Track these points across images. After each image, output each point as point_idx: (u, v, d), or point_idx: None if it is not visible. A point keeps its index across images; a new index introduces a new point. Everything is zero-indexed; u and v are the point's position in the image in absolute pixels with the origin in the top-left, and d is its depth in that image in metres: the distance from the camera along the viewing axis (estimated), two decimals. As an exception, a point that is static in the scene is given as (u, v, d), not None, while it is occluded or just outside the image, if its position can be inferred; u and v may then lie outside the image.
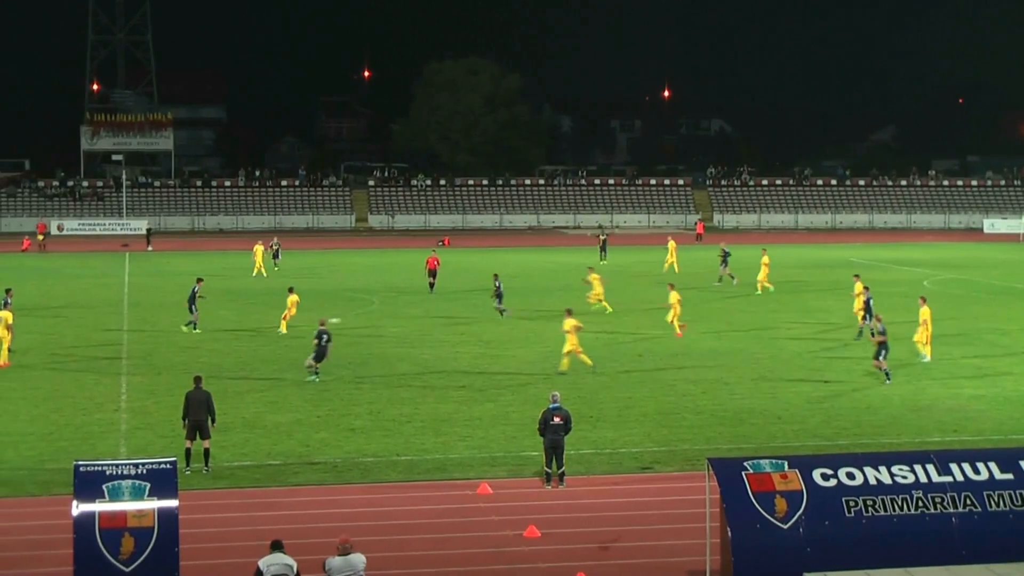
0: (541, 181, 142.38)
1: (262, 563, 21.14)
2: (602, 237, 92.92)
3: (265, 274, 78.39)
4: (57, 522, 26.59)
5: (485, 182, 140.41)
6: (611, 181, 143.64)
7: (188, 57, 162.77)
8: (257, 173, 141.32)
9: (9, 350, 47.52)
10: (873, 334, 47.01)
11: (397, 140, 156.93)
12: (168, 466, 22.48)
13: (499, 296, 60.92)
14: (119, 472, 22.16)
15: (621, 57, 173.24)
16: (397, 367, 46.89)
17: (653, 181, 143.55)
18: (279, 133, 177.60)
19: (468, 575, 25.47)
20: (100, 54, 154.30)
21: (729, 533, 22.89)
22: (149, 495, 21.92)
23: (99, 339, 53.27)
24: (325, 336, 44.06)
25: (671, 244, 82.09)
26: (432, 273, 70.82)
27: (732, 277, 72.62)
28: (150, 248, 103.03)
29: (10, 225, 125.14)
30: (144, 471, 22.21)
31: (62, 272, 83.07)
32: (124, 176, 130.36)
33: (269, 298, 65.40)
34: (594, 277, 62.43)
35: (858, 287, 55.20)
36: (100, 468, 22.33)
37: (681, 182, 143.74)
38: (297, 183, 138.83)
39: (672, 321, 54.96)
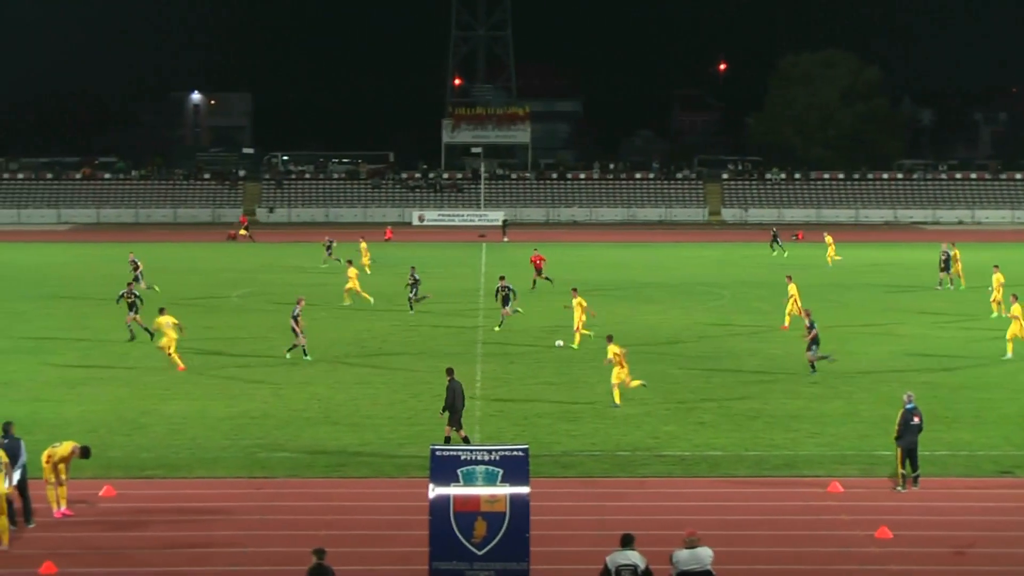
0: (899, 175, 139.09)
1: (610, 559, 21.31)
2: (773, 230, 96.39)
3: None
4: (413, 503, 27.47)
5: (841, 176, 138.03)
6: (973, 176, 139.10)
7: (546, 51, 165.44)
8: (611, 166, 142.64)
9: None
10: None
11: (751, 133, 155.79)
12: (520, 453, 22.85)
13: (414, 287, 60.03)
14: (473, 458, 22.68)
15: (986, 47, 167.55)
16: (747, 362, 46.60)
17: (1019, 175, 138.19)
18: (633, 126, 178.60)
19: (816, 574, 25.16)
20: (462, 50, 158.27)
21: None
22: (502, 481, 22.39)
23: (455, 327, 54.65)
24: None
25: (828, 239, 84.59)
26: (538, 271, 68.56)
27: (950, 283, 69.20)
28: (506, 239, 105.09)
29: (374, 215, 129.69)
30: (497, 457, 22.65)
31: (420, 262, 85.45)
32: (482, 168, 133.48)
33: (617, 290, 66.04)
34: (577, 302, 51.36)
35: (792, 289, 54.91)
36: (455, 453, 22.91)
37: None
38: (651, 176, 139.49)
39: (788, 313, 54.68)
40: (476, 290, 68.16)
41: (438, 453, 22.84)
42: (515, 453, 22.83)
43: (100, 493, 29.61)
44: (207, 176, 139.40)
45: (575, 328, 50.17)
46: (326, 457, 33.15)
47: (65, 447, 28.20)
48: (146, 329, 50.23)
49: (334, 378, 43.70)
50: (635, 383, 39.09)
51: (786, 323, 54.54)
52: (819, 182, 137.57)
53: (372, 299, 61.25)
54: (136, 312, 51.51)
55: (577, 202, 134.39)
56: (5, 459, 26.30)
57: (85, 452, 28.56)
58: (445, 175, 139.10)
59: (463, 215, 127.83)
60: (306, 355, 47.04)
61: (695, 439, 35.14)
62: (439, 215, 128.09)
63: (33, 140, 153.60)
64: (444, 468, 22.49)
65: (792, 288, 55.06)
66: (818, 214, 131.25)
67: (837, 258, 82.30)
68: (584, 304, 50.50)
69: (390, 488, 30.48)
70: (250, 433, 35.79)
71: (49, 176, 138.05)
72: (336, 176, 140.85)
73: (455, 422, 33.16)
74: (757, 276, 74.85)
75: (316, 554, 21.45)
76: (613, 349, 39.08)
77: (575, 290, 52.07)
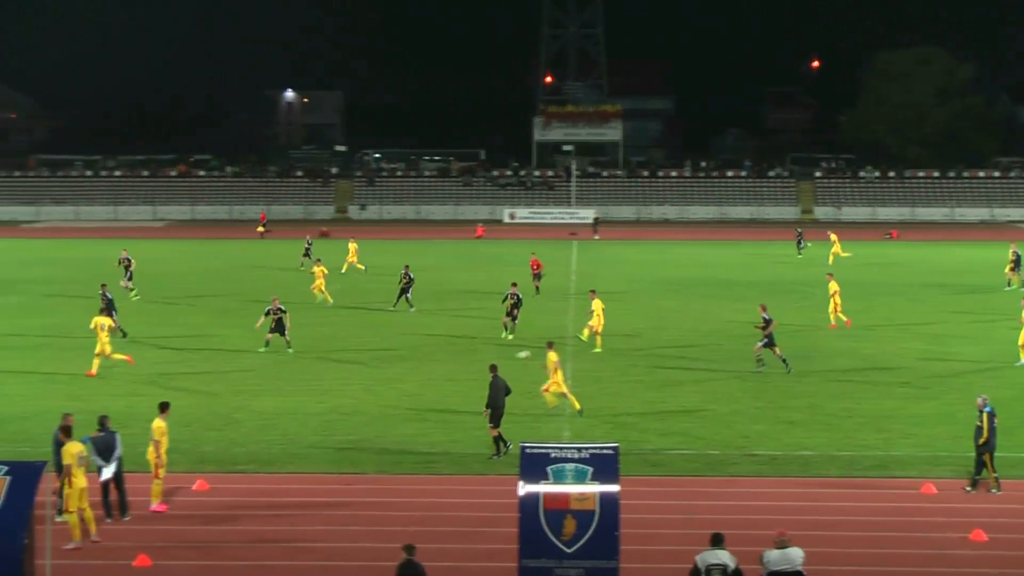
0: (996, 174, 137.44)
1: (700, 558, 21.26)
2: (798, 230, 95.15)
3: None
4: (502, 501, 27.54)
5: (936, 174, 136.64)
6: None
7: (637, 48, 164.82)
8: (702, 164, 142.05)
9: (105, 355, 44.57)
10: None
11: (844, 131, 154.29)
12: (610, 451, 22.83)
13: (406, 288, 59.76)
14: (563, 455, 22.70)
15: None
16: (837, 361, 46.25)
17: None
18: (725, 124, 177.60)
19: (908, 576, 24.96)
20: (553, 48, 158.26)
21: None
22: (591, 479, 22.36)
23: (546, 325, 54.55)
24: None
25: (833, 236, 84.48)
26: (537, 276, 66.73)
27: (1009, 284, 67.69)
28: (597, 237, 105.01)
29: (465, 213, 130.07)
30: (587, 455, 22.64)
31: (509, 259, 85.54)
32: (574, 166, 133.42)
33: (707, 288, 65.65)
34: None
35: (833, 287, 54.61)
36: (545, 451, 22.90)
37: None
38: (743, 174, 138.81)
39: (832, 312, 54.24)
40: (566, 288, 68.04)
41: (528, 450, 22.87)
42: (605, 451, 22.81)
43: (193, 487, 29.98)
44: (299, 173, 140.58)
45: (594, 330, 49.51)
46: (415, 455, 33.30)
47: (156, 423, 28.68)
48: (119, 328, 50.21)
49: (424, 375, 43.90)
50: (570, 397, 37.90)
51: (833, 322, 54.18)
52: (914, 180, 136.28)
53: (331, 300, 61.68)
54: (114, 311, 51.03)
55: (668, 200, 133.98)
56: (83, 452, 26.62)
57: (163, 407, 29.03)
58: (536, 172, 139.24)
59: (554, 212, 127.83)
60: (267, 347, 48.28)
61: (785, 438, 34.94)
62: (530, 212, 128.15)
63: (129, 138, 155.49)
64: (534, 466, 22.51)
65: (833, 286, 54.69)
66: (912, 212, 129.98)
67: (845, 255, 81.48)
68: (602, 306, 49.82)
69: (479, 485, 30.57)
70: (340, 429, 36.05)
71: (145, 173, 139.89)
72: (427, 173, 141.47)
73: (496, 420, 33.09)
74: (849, 275, 74.06)
75: (406, 550, 21.57)
76: (551, 357, 37.54)
77: (593, 292, 51.46)
